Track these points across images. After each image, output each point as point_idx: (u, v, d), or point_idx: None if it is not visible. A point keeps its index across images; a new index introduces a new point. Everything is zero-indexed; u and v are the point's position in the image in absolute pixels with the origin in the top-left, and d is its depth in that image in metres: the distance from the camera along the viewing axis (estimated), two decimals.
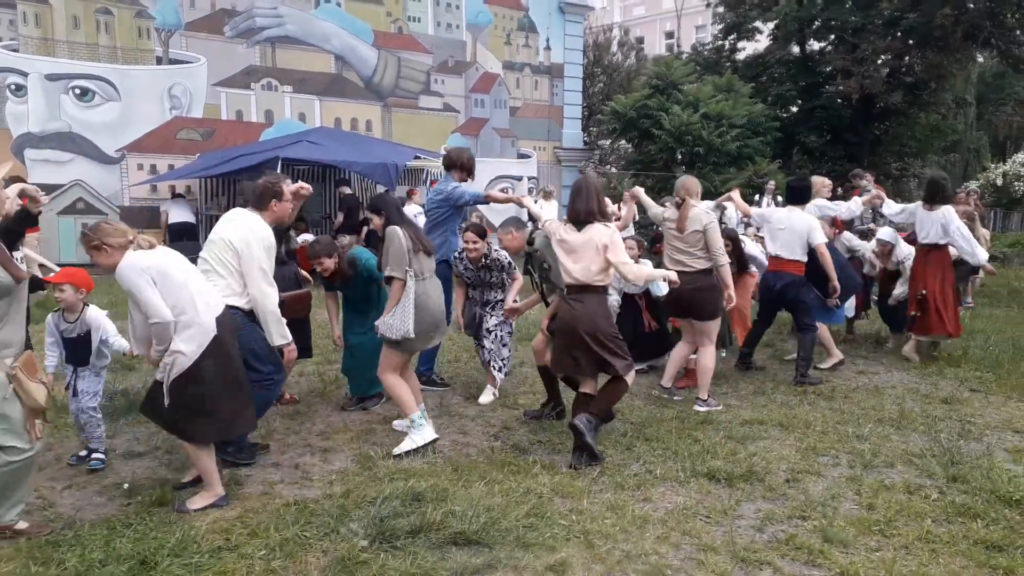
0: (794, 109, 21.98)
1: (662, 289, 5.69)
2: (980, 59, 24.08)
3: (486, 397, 5.91)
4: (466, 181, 6.06)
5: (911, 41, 19.53)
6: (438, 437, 4.78)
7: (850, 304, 7.50)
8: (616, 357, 4.54)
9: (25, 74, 12.64)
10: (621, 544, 3.54)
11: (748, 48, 22.76)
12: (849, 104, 20.11)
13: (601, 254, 4.50)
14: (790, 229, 6.33)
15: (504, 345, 6.02)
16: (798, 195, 6.56)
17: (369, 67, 16.05)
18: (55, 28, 12.87)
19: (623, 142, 21.20)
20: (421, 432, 4.66)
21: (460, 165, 5.99)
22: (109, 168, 13.39)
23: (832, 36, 20.92)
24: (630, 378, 4.67)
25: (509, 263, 5.86)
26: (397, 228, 4.65)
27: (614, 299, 6.37)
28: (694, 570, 3.35)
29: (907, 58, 20.10)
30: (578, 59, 19.51)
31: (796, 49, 21.87)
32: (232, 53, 14.47)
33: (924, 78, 19.87)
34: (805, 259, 6.34)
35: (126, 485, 4.10)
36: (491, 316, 5.97)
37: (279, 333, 4.26)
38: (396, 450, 4.59)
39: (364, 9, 15.88)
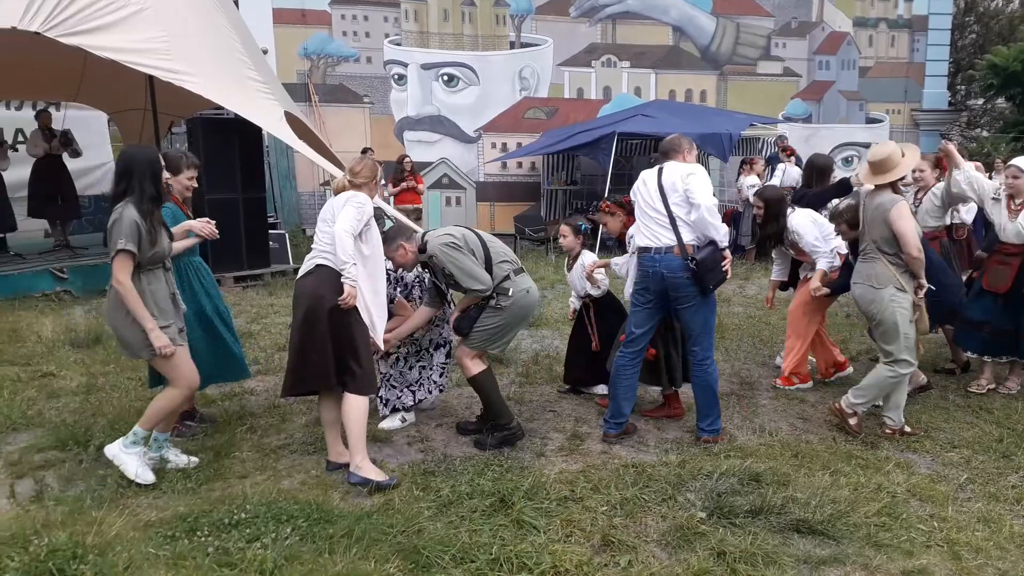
0: None
1: None
2: None
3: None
4: None
5: None
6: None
7: None
8: None
9: (405, 65, 14.57)
10: (995, 562, 3.14)
11: None
12: None
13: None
14: None
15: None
16: None
17: (706, 36, 15.72)
18: (429, 22, 14.62)
19: (1000, 101, 18.11)
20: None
21: None
22: (468, 147, 14.95)
23: None
24: None
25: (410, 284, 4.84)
26: None
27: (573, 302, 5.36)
28: None
29: None
30: (946, 8, 17.00)
31: None
32: (575, 33, 15.16)
33: None
34: None
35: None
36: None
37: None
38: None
39: None
